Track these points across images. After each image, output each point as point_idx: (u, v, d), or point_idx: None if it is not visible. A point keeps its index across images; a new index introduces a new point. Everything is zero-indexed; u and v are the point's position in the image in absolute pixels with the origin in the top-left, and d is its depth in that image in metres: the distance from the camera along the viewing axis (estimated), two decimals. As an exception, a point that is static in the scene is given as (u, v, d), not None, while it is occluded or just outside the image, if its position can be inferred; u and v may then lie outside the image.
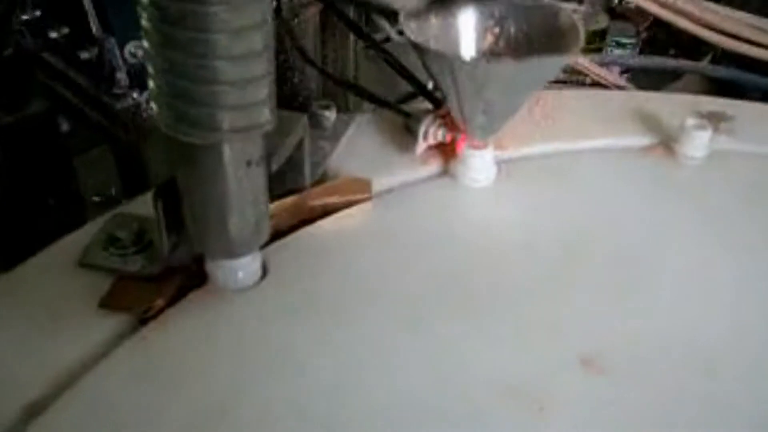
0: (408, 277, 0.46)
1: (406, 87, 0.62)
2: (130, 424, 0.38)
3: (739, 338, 0.44)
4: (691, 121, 0.57)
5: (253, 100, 0.36)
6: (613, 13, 1.60)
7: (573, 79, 0.87)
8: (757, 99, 0.74)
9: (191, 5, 0.33)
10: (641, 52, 2.01)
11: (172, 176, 0.40)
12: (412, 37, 0.48)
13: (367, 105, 0.63)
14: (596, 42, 1.85)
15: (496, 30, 0.52)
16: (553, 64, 0.47)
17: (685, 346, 0.43)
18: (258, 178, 0.40)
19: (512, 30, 0.51)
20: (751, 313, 0.45)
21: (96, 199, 0.82)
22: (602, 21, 1.82)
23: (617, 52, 1.94)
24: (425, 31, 0.50)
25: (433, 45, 0.49)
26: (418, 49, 0.47)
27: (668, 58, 0.82)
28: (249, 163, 0.39)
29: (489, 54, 0.52)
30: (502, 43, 0.52)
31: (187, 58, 0.34)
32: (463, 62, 0.47)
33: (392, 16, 0.50)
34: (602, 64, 0.74)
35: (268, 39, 0.36)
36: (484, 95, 0.47)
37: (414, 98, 0.65)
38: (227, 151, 0.38)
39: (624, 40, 1.96)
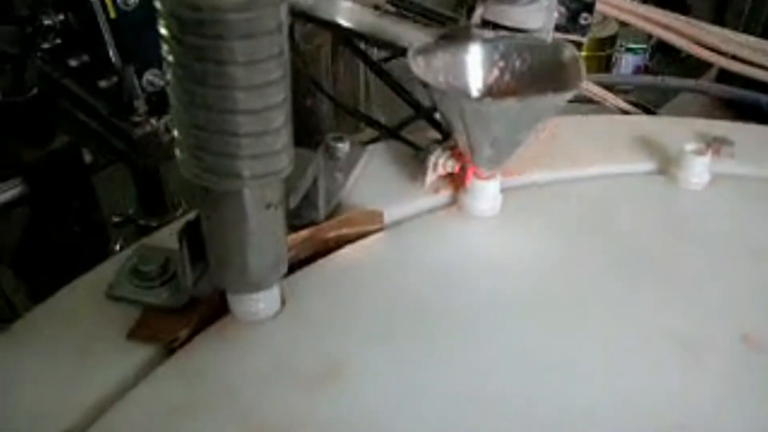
0: (420, 306, 0.48)
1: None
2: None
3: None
4: (689, 147, 0.59)
5: (273, 150, 0.39)
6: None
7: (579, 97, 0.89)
8: (760, 116, 0.76)
9: (212, 66, 0.35)
10: (652, 57, 2.03)
11: (197, 215, 0.43)
12: (420, 74, 0.50)
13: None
14: (606, 48, 1.87)
15: (501, 64, 0.54)
16: (556, 100, 0.49)
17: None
18: (277, 219, 0.42)
19: (517, 64, 0.53)
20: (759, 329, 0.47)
21: (115, 219, 0.85)
22: (611, 27, 1.83)
23: (628, 58, 1.95)
24: (433, 66, 0.52)
25: (441, 80, 0.51)
26: (427, 86, 0.49)
27: (677, 74, 0.83)
28: (268, 206, 0.41)
29: (495, 87, 0.54)
30: (507, 77, 0.54)
31: (209, 113, 0.37)
32: (471, 101, 0.49)
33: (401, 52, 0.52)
34: (606, 86, 0.76)
35: (287, 91, 0.38)
36: (491, 131, 0.49)
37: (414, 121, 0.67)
38: (248, 197, 0.40)
39: (634, 46, 1.97)
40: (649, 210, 0.57)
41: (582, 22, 0.56)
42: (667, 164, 0.60)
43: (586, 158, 0.61)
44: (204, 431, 0.41)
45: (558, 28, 0.55)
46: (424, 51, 0.51)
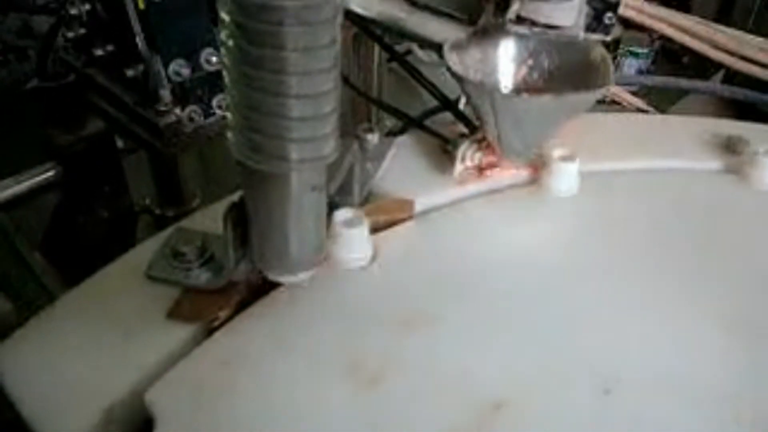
0: (449, 293, 0.50)
1: (430, 100, 0.66)
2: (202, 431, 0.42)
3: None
4: (763, 148, 0.60)
5: (321, 134, 0.40)
6: (627, 23, 1.62)
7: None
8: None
9: (269, 51, 0.37)
10: (654, 62, 2.05)
11: (241, 197, 0.44)
12: (454, 68, 0.51)
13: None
14: (609, 52, 1.89)
15: (531, 62, 0.55)
16: (587, 98, 0.50)
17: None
18: (320, 203, 0.43)
19: (546, 63, 0.55)
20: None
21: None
22: (615, 31, 1.85)
23: (631, 61, 1.97)
24: (466, 61, 0.53)
25: (472, 75, 0.53)
26: (460, 79, 0.51)
27: (681, 78, 0.85)
28: (313, 189, 0.42)
29: (523, 84, 0.55)
30: (536, 75, 0.55)
31: (263, 96, 0.38)
32: (504, 96, 0.51)
33: (436, 48, 0.54)
34: (618, 84, 0.77)
35: (337, 79, 0.39)
36: (521, 125, 0.51)
37: (440, 112, 0.69)
38: (294, 179, 0.41)
39: (637, 50, 1.99)
40: (721, 208, 0.58)
41: (606, 21, 0.57)
42: (738, 164, 0.61)
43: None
44: (245, 410, 0.42)
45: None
46: (459, 46, 0.53)
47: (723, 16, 1.57)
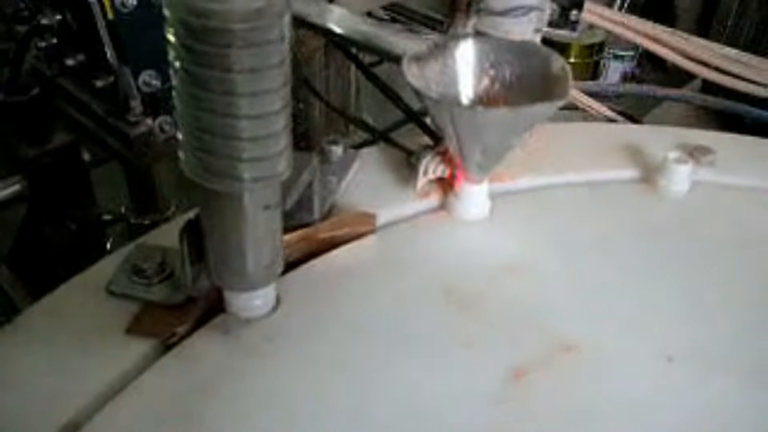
0: (409, 307, 0.50)
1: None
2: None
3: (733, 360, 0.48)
4: (672, 155, 0.61)
5: (272, 153, 0.40)
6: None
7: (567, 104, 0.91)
8: (746, 125, 0.79)
9: (218, 72, 0.37)
10: (639, 65, 2.06)
11: (197, 214, 0.44)
12: (414, 81, 0.51)
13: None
14: (594, 55, 1.90)
15: (492, 72, 0.55)
16: (546, 109, 0.51)
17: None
18: (274, 220, 0.44)
19: (507, 73, 0.55)
20: (740, 334, 0.50)
21: (106, 217, 0.86)
22: (600, 34, 1.86)
23: (616, 65, 1.98)
24: (426, 73, 0.53)
25: (433, 87, 0.53)
26: (419, 93, 0.51)
27: (664, 82, 0.86)
28: (267, 207, 0.43)
29: (485, 95, 0.55)
30: (497, 86, 0.55)
31: (213, 117, 0.38)
32: (462, 109, 0.51)
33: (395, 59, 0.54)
34: (591, 94, 0.78)
35: (287, 98, 0.40)
36: (482, 138, 0.51)
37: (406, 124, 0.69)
38: (247, 198, 0.42)
39: (621, 53, 2.00)
40: (630, 216, 0.59)
41: (572, 18, 0.58)
42: (650, 172, 0.62)
43: (572, 165, 0.63)
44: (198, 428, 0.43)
45: (549, 23, 0.57)
46: (418, 58, 0.53)
47: (703, 26, 1.58)
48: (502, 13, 0.49)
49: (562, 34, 0.59)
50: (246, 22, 0.36)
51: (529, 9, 0.49)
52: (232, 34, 0.36)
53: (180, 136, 0.40)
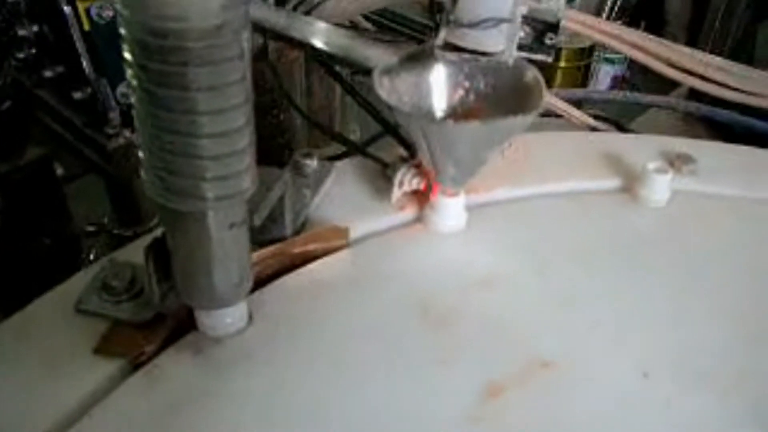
0: (384, 323, 0.49)
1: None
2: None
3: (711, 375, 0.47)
4: (651, 165, 0.60)
5: (236, 170, 0.40)
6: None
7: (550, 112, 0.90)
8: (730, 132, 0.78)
9: (176, 91, 0.36)
10: (630, 67, 2.05)
11: (163, 232, 0.44)
12: (384, 95, 0.51)
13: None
14: (584, 58, 1.89)
15: (466, 84, 0.55)
16: (518, 122, 0.50)
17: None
18: (241, 238, 0.43)
19: (481, 85, 0.55)
20: (718, 348, 0.49)
21: (89, 228, 0.85)
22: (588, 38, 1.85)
23: (607, 68, 1.98)
24: (398, 87, 0.53)
25: (406, 100, 0.52)
26: (391, 107, 0.50)
27: (642, 94, 0.85)
28: (232, 226, 0.42)
29: (459, 107, 0.55)
30: (471, 97, 0.55)
31: (173, 136, 0.38)
32: (433, 123, 0.51)
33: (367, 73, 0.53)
34: (574, 102, 0.77)
35: (249, 114, 0.39)
36: (454, 151, 0.50)
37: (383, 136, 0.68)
38: (211, 217, 0.41)
39: (612, 56, 2.00)
40: (609, 227, 0.59)
41: (547, 41, 0.57)
42: (630, 182, 0.62)
43: (552, 175, 0.63)
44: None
45: (523, 47, 0.56)
46: (389, 71, 0.52)
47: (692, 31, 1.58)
48: (472, 25, 0.48)
49: (537, 59, 0.57)
50: (202, 40, 0.35)
51: (500, 21, 0.48)
52: (189, 52, 0.35)
53: (141, 154, 0.40)
